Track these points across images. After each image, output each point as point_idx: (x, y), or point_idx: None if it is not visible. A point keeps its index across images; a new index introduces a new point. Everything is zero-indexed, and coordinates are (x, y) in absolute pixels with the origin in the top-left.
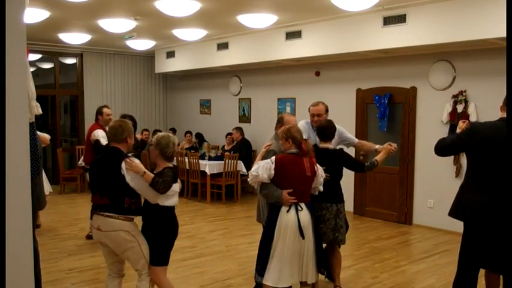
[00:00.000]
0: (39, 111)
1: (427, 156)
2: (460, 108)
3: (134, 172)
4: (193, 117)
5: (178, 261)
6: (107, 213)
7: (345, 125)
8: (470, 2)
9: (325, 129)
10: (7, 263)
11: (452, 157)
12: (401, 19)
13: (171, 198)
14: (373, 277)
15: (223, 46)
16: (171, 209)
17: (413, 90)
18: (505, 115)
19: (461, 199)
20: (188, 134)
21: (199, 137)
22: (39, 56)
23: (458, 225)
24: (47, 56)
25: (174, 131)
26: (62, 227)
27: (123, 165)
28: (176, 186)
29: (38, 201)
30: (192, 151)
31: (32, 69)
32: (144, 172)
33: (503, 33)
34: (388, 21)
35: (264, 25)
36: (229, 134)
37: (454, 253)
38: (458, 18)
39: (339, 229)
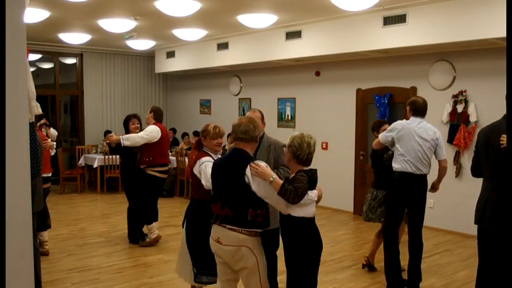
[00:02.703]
0: (39, 111)
1: None
2: (460, 108)
3: (261, 179)
4: (193, 117)
5: None
6: (229, 226)
7: (345, 125)
8: (470, 2)
9: None
10: (7, 263)
11: (452, 157)
12: (401, 19)
13: (307, 209)
14: (373, 277)
15: (223, 46)
16: (309, 221)
17: (413, 90)
18: None
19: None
20: (186, 136)
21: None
22: (39, 56)
23: (458, 225)
24: (47, 56)
25: (174, 131)
26: (62, 227)
27: (248, 171)
28: (313, 194)
29: (38, 202)
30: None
31: (32, 69)
32: (273, 178)
33: (503, 33)
34: (388, 21)
35: (264, 25)
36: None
37: (454, 253)
38: (458, 18)
39: (372, 210)
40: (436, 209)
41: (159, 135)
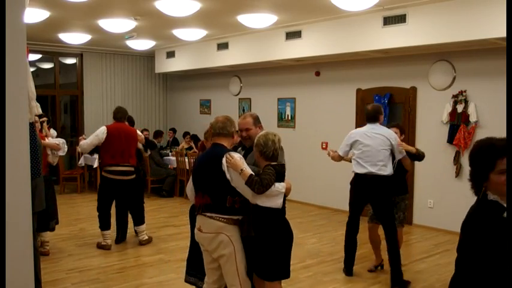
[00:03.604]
0: (39, 111)
1: (427, 156)
2: (460, 108)
3: (232, 169)
4: (193, 117)
5: (179, 261)
6: (209, 214)
7: (345, 125)
8: (470, 2)
9: None
10: (7, 263)
11: (452, 157)
12: (401, 19)
13: (274, 200)
14: (373, 277)
15: (223, 46)
16: (277, 211)
17: (413, 90)
18: None
19: None
20: (187, 136)
21: (195, 138)
22: (39, 56)
23: (458, 225)
24: (47, 56)
25: (174, 131)
26: (62, 227)
27: (224, 161)
28: (280, 186)
29: (39, 202)
30: (192, 151)
31: (32, 69)
32: (242, 170)
33: (503, 33)
34: (388, 21)
35: (264, 25)
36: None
37: (454, 253)
38: (458, 18)
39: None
40: (436, 209)
41: (104, 135)
